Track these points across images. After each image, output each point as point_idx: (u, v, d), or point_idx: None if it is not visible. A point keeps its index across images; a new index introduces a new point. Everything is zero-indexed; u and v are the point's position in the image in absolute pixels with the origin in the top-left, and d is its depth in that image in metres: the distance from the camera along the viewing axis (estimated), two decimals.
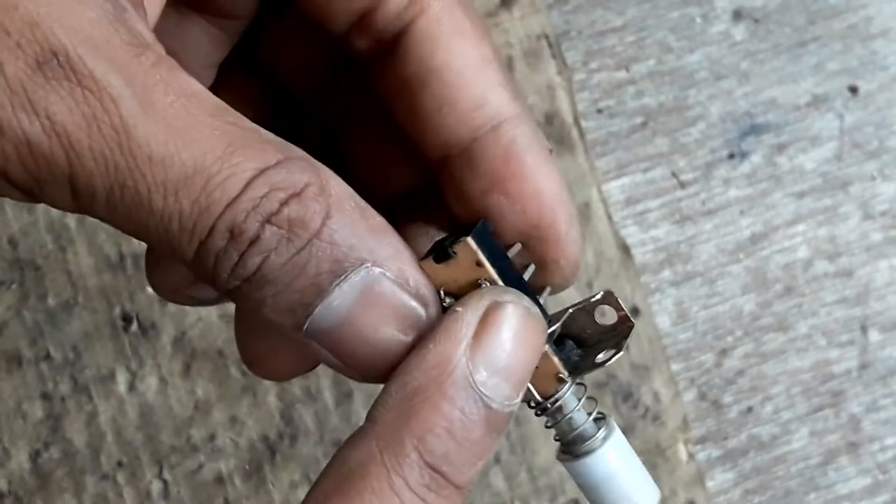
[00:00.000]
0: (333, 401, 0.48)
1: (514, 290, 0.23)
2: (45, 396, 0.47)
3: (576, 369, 0.25)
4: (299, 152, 0.21)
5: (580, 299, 0.26)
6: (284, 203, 0.20)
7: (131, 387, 0.47)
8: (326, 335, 0.21)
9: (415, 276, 0.22)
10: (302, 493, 0.47)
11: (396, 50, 0.24)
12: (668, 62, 0.51)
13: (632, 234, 0.50)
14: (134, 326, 0.47)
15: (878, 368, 0.50)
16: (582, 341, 0.26)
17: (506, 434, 0.48)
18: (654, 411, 0.48)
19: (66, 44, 0.19)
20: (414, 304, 0.22)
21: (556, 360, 0.24)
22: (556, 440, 0.25)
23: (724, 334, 0.50)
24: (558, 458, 0.26)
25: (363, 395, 0.48)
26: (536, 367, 0.23)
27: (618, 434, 0.25)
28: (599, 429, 0.25)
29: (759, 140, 0.51)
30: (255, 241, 0.20)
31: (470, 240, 0.23)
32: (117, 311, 0.47)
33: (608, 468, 0.24)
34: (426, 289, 0.22)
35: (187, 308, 0.47)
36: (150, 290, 0.47)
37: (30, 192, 0.20)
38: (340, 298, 0.21)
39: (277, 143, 0.21)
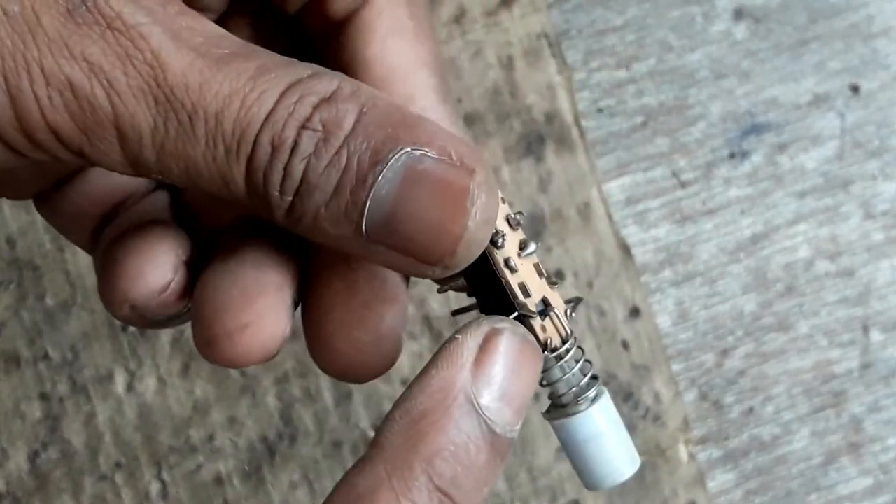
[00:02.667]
0: (333, 401, 0.48)
1: (509, 319, 0.23)
2: (44, 397, 0.47)
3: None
4: (329, 70, 0.21)
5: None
6: (317, 107, 0.20)
7: (130, 387, 0.47)
8: (385, 230, 0.21)
9: (457, 147, 0.21)
10: (301, 494, 0.47)
11: (340, 36, 0.25)
12: (669, 61, 0.51)
13: (632, 233, 0.50)
14: (132, 327, 0.47)
15: (880, 368, 0.50)
16: None
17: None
18: (655, 411, 0.48)
19: None
20: (463, 171, 0.21)
21: (565, 307, 0.24)
22: (549, 398, 0.25)
23: (724, 334, 0.50)
24: (545, 416, 0.26)
25: (363, 395, 0.48)
26: (544, 328, 0.24)
27: (607, 397, 0.25)
28: (591, 388, 0.25)
29: (760, 139, 0.51)
30: (294, 147, 0.20)
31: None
32: None
33: (596, 428, 0.25)
34: (471, 158, 0.21)
35: None
36: None
37: (79, 150, 0.21)
38: (386, 186, 0.21)
39: (306, 64, 0.21)
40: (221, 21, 0.27)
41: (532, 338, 0.23)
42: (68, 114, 0.20)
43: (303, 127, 0.20)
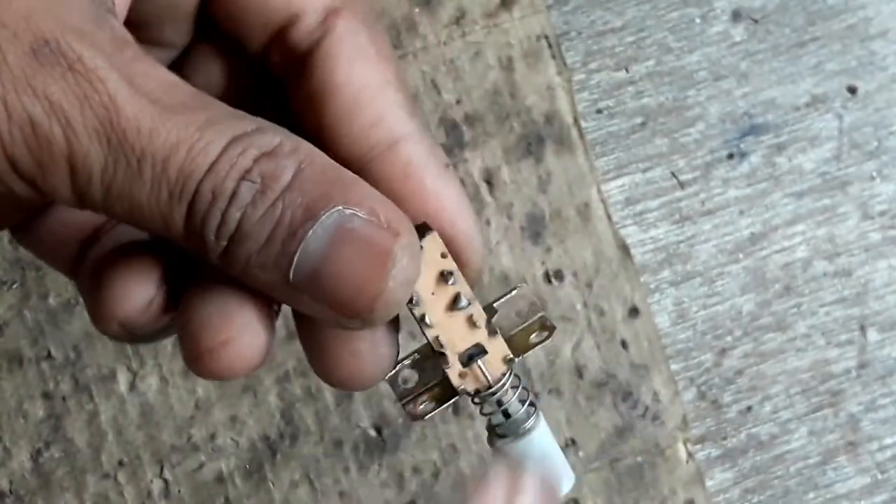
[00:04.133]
0: (334, 400, 0.48)
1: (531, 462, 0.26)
2: (47, 396, 0.47)
3: (515, 352, 0.26)
4: (274, 125, 0.23)
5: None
6: (257, 160, 0.22)
7: (132, 386, 0.47)
8: (310, 282, 0.22)
9: (386, 211, 0.22)
10: (302, 492, 0.47)
11: (305, 67, 0.25)
12: (668, 62, 0.52)
13: (631, 233, 0.51)
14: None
15: (877, 368, 0.50)
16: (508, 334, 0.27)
17: None
18: (654, 411, 0.49)
19: (56, 32, 0.21)
20: (387, 234, 0.22)
21: (502, 342, 0.26)
22: (489, 427, 0.27)
23: (723, 334, 0.50)
24: (488, 442, 0.27)
25: (363, 394, 0.48)
26: (486, 352, 0.25)
27: (543, 423, 0.27)
28: (530, 416, 0.26)
29: (759, 140, 0.51)
30: (233, 197, 0.21)
31: (436, 233, 0.24)
32: None
33: (534, 454, 0.26)
34: (398, 222, 0.23)
35: None
36: None
37: (32, 181, 0.21)
38: (315, 241, 0.22)
39: (253, 118, 0.22)
40: (185, 55, 0.28)
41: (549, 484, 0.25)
42: (26, 148, 0.21)
43: (242, 178, 0.21)
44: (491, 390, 0.26)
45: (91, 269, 0.27)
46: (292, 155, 0.22)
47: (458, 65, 0.49)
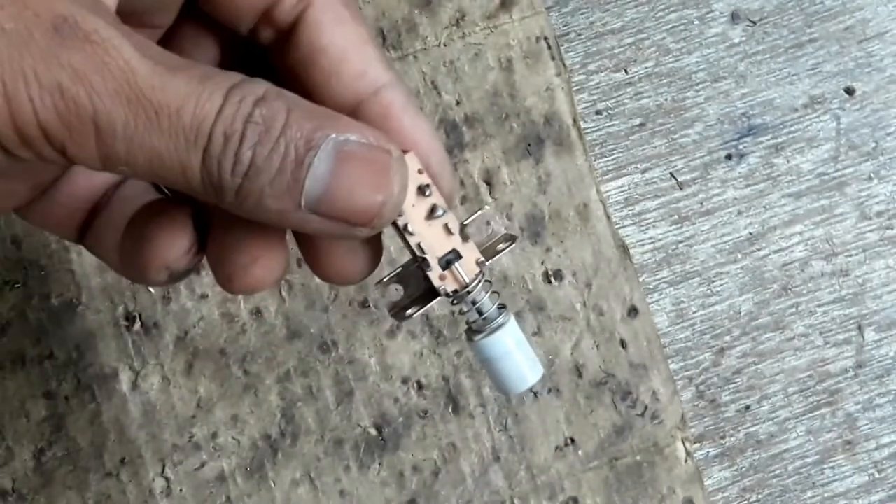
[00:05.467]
0: (334, 400, 0.48)
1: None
2: (49, 395, 0.47)
3: (485, 258, 0.30)
4: (255, 78, 0.26)
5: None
6: (256, 104, 0.25)
7: (134, 386, 0.47)
8: (321, 202, 0.25)
9: (374, 133, 0.26)
10: (303, 491, 0.47)
11: (291, 37, 0.29)
12: (667, 64, 0.52)
13: (630, 234, 0.51)
14: (137, 326, 0.48)
15: (875, 367, 0.51)
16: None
17: (505, 432, 0.48)
18: (653, 410, 0.49)
19: (72, 10, 0.24)
20: (381, 150, 0.26)
21: (474, 248, 0.29)
22: (466, 325, 0.31)
23: (721, 334, 0.51)
24: (466, 340, 0.31)
25: (363, 394, 0.48)
26: (461, 257, 0.29)
27: (513, 320, 0.30)
28: (501, 314, 0.30)
29: (757, 141, 0.52)
30: (242, 138, 0.25)
31: (412, 153, 0.28)
32: (120, 310, 0.48)
33: (506, 346, 0.30)
34: (385, 141, 0.26)
35: (189, 307, 0.48)
36: (152, 289, 0.48)
37: (62, 146, 0.24)
38: (321, 166, 0.25)
39: (234, 73, 0.26)
40: (168, 33, 0.31)
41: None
42: (56, 113, 0.24)
43: (247, 121, 0.25)
44: (467, 289, 0.29)
45: (127, 230, 0.30)
46: (279, 98, 0.25)
47: (457, 66, 0.50)
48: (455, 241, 0.29)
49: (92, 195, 0.32)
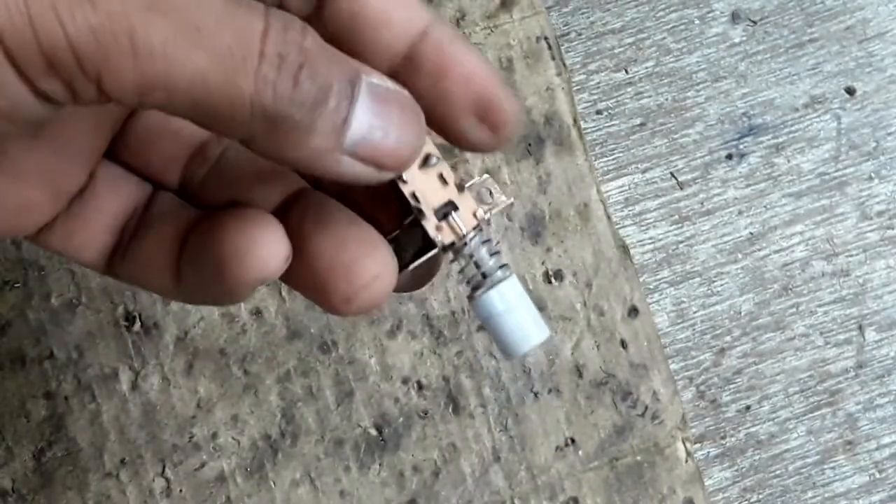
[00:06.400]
0: (334, 400, 0.48)
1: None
2: (49, 395, 0.47)
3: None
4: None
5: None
6: (302, 33, 0.23)
7: (134, 386, 0.47)
8: (361, 142, 0.24)
9: (386, 77, 0.25)
10: (303, 491, 0.47)
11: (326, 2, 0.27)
12: (667, 63, 0.52)
13: (630, 234, 0.51)
14: (137, 326, 0.48)
15: (875, 368, 0.51)
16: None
17: (505, 432, 0.48)
18: (653, 410, 0.49)
19: None
20: (404, 93, 0.25)
21: (472, 200, 0.28)
22: (467, 284, 0.29)
23: (722, 334, 0.51)
24: (468, 299, 0.30)
25: (364, 394, 0.48)
26: (457, 209, 0.28)
27: (514, 278, 0.29)
28: (501, 268, 0.29)
29: (757, 141, 0.51)
30: (302, 65, 0.23)
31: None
32: (120, 310, 0.48)
33: (507, 301, 0.29)
34: (403, 87, 0.25)
35: (190, 307, 0.48)
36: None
37: (96, 73, 0.21)
38: (362, 104, 0.24)
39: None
40: None
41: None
42: (88, 29, 0.21)
43: (301, 46, 0.23)
44: (464, 241, 0.28)
45: (193, 246, 0.28)
46: (311, 33, 0.23)
47: None
48: (451, 192, 0.28)
49: (120, 210, 0.29)
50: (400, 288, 0.29)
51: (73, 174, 0.28)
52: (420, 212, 0.28)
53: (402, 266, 0.29)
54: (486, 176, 0.30)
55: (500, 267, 0.29)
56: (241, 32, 0.22)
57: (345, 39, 0.27)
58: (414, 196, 0.28)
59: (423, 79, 0.27)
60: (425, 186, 0.28)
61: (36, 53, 0.21)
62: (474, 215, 0.28)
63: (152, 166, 0.30)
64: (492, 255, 0.29)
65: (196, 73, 0.22)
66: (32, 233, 0.28)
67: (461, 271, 0.29)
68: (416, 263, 0.29)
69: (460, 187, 0.28)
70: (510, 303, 0.29)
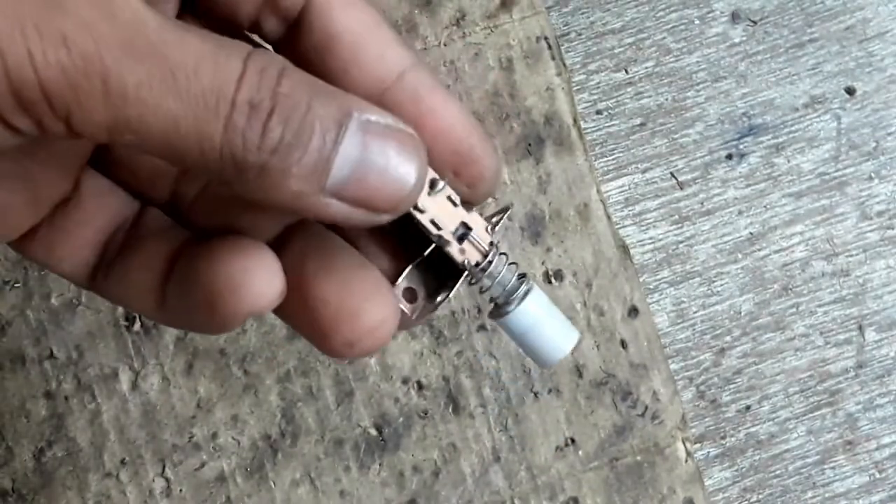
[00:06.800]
0: (334, 399, 0.48)
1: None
2: (49, 395, 0.47)
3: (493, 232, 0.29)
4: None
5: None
6: (280, 76, 0.22)
7: (134, 385, 0.47)
8: (348, 183, 0.23)
9: (388, 113, 0.24)
10: (303, 491, 0.47)
11: (300, 25, 0.27)
12: (667, 63, 0.52)
13: (630, 234, 0.51)
14: (137, 326, 0.48)
15: (875, 367, 0.51)
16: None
17: (505, 432, 0.48)
18: (653, 410, 0.49)
19: None
20: (403, 130, 0.24)
21: (479, 216, 0.28)
22: (491, 302, 0.29)
23: (722, 334, 0.51)
24: (491, 316, 0.29)
25: (364, 394, 0.48)
26: (471, 228, 0.27)
27: (537, 290, 0.29)
28: (520, 286, 0.29)
29: (757, 141, 0.51)
30: (272, 111, 0.22)
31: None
32: (120, 310, 0.48)
33: (531, 319, 0.28)
34: (404, 122, 0.24)
35: None
36: None
37: (66, 111, 0.21)
38: (349, 145, 0.23)
39: (242, 42, 0.23)
40: None
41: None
42: (60, 69, 0.20)
43: (275, 92, 0.22)
44: (487, 259, 0.28)
45: (182, 272, 0.27)
46: (300, 71, 0.23)
47: (458, 66, 0.50)
48: (461, 213, 0.27)
49: (105, 223, 0.28)
50: (413, 325, 0.28)
51: (54, 181, 0.27)
52: (442, 239, 0.27)
53: (431, 299, 0.28)
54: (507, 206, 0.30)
55: (520, 278, 0.29)
56: (217, 77, 0.22)
57: (314, 67, 0.26)
58: (434, 223, 0.27)
59: None
60: (439, 212, 0.27)
61: (6, 92, 0.21)
62: (487, 231, 0.28)
63: (140, 180, 0.29)
64: (510, 269, 0.29)
65: (168, 119, 0.21)
66: (14, 238, 0.28)
67: (483, 291, 0.29)
68: (452, 292, 0.28)
69: (466, 206, 0.28)
70: (539, 315, 0.28)
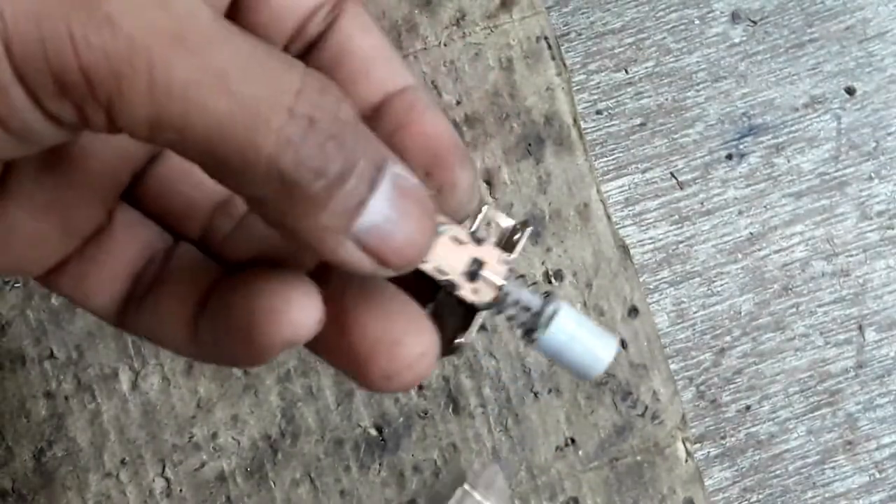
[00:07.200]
0: (334, 399, 0.48)
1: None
2: (49, 395, 0.47)
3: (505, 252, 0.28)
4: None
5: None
6: (340, 102, 0.21)
7: (134, 385, 0.47)
8: (371, 231, 0.22)
9: (411, 171, 0.23)
10: (303, 491, 0.47)
11: (321, 42, 0.26)
12: (667, 63, 0.52)
13: (631, 234, 0.51)
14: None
15: (875, 368, 0.51)
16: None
17: (505, 432, 0.48)
18: (653, 410, 0.49)
19: None
20: (422, 188, 0.23)
21: (493, 248, 0.27)
22: (521, 328, 0.28)
23: (722, 334, 0.51)
24: (526, 342, 0.28)
25: (364, 394, 0.48)
26: (483, 263, 0.26)
27: (566, 307, 0.28)
28: (550, 302, 0.28)
29: (757, 141, 0.52)
30: (332, 135, 0.21)
31: None
32: None
33: (564, 337, 0.28)
34: (420, 182, 0.24)
35: None
36: None
37: (107, 100, 0.20)
38: (382, 195, 0.22)
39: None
40: None
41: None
42: (103, 54, 0.19)
43: (336, 115, 0.21)
44: (504, 291, 0.27)
45: (217, 303, 0.26)
46: (348, 104, 0.22)
47: (458, 66, 0.50)
48: (470, 250, 0.27)
49: (137, 257, 0.27)
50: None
51: (87, 211, 0.26)
52: (450, 284, 0.26)
53: (451, 339, 0.27)
54: (485, 207, 0.29)
55: (545, 296, 0.28)
56: (272, 85, 0.20)
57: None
58: (439, 271, 0.26)
59: (382, 128, 0.25)
60: (444, 255, 0.26)
61: (46, 74, 0.20)
62: (501, 262, 0.27)
63: (173, 215, 0.28)
64: (534, 292, 0.28)
65: (213, 120, 0.20)
66: (41, 273, 0.27)
67: (510, 319, 0.28)
68: (470, 333, 0.27)
69: (477, 240, 0.27)
70: (572, 332, 0.28)
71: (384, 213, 0.22)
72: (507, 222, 0.28)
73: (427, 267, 0.26)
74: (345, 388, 0.48)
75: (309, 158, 0.21)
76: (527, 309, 0.27)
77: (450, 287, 0.26)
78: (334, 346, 0.26)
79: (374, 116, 0.26)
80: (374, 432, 0.48)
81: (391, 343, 0.25)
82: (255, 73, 0.20)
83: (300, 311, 0.24)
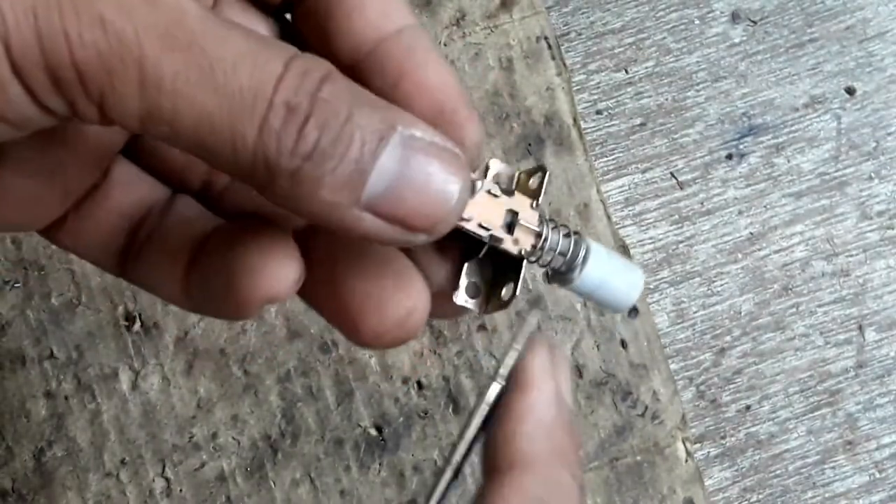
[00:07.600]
0: (334, 399, 0.48)
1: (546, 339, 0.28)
2: (49, 395, 0.47)
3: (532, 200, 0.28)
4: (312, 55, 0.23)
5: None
6: (322, 81, 0.22)
7: (134, 385, 0.47)
8: (384, 199, 0.22)
9: (436, 131, 0.23)
10: (303, 491, 0.47)
11: None
12: (667, 63, 0.52)
13: (631, 234, 0.51)
14: (137, 326, 0.48)
15: (875, 367, 0.51)
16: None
17: None
18: (653, 410, 0.49)
19: None
20: (448, 148, 0.23)
21: (521, 196, 0.27)
22: (551, 272, 0.28)
23: (722, 334, 0.51)
24: (553, 282, 0.29)
25: (364, 393, 0.48)
26: (517, 212, 0.26)
27: (595, 245, 0.28)
28: (579, 249, 0.28)
29: (757, 141, 0.52)
30: (309, 115, 0.21)
31: None
32: (120, 310, 0.48)
33: (597, 276, 0.28)
34: (448, 139, 0.23)
35: None
36: None
37: (99, 95, 0.21)
38: (389, 159, 0.22)
39: (287, 44, 0.23)
40: None
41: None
42: (96, 51, 0.20)
43: (314, 97, 0.21)
44: (542, 237, 0.27)
45: (204, 258, 0.27)
46: (346, 79, 0.22)
47: (458, 66, 0.50)
48: (504, 202, 0.26)
49: (133, 211, 0.28)
50: (456, 313, 0.28)
51: (85, 172, 0.27)
52: (493, 238, 0.26)
53: (493, 296, 0.28)
54: (491, 161, 0.29)
55: (574, 238, 0.28)
56: (256, 76, 0.21)
57: (317, 20, 0.26)
58: (482, 226, 0.26)
59: (383, 78, 0.26)
60: (483, 211, 0.26)
61: (41, 70, 0.20)
62: (532, 208, 0.27)
63: (172, 168, 0.29)
64: (563, 234, 0.28)
65: (202, 113, 0.21)
66: (40, 228, 0.28)
67: (545, 266, 0.28)
68: (518, 285, 0.27)
69: (507, 192, 0.27)
70: (604, 271, 0.28)
71: (393, 176, 0.22)
72: (510, 170, 0.28)
73: (471, 225, 0.26)
74: (345, 388, 0.48)
75: (289, 143, 0.21)
76: (562, 254, 0.27)
77: (493, 242, 0.26)
78: (327, 304, 0.26)
79: (372, 65, 0.26)
80: (374, 432, 0.48)
81: (380, 299, 0.26)
82: (240, 66, 0.21)
83: (278, 270, 0.25)
